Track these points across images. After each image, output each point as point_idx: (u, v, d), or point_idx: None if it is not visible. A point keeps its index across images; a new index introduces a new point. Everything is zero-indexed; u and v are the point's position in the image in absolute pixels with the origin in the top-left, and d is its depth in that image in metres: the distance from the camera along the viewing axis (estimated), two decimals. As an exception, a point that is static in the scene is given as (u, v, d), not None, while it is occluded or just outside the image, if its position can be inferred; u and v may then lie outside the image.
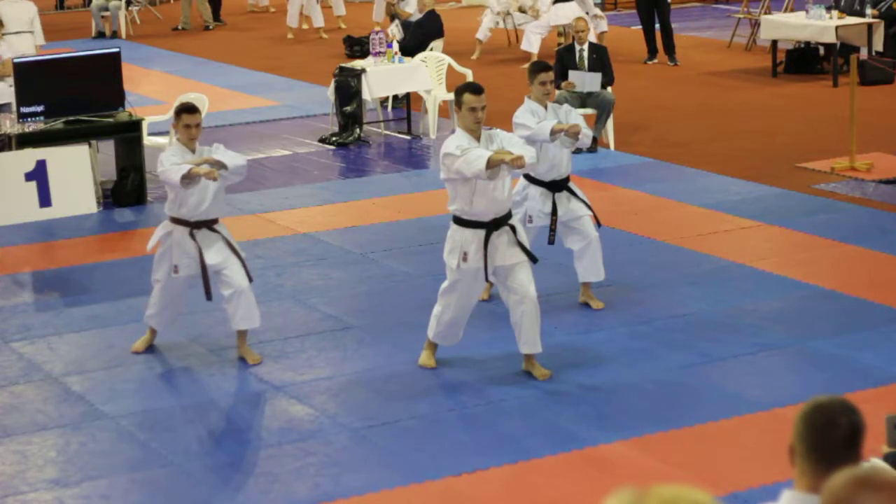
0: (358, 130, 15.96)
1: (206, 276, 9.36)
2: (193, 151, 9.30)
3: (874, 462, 6.10)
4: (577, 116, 10.14)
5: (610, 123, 15.10)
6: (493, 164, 8.56)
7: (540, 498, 7.43)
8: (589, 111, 15.06)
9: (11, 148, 13.19)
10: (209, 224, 9.39)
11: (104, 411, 8.72)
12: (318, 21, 23.46)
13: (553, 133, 9.79)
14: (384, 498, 7.47)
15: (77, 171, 13.08)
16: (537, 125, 9.79)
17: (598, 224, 10.45)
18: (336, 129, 16.15)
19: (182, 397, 9.01)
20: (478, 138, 8.85)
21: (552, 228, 10.17)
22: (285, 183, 14.29)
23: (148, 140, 13.96)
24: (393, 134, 16.31)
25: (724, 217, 12.39)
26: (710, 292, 10.46)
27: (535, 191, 10.18)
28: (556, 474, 7.67)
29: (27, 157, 12.97)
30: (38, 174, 12.93)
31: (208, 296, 9.42)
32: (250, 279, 9.44)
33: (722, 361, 9.16)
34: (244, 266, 9.44)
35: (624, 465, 7.73)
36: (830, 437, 4.09)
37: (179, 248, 9.37)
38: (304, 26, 23.93)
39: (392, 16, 20.86)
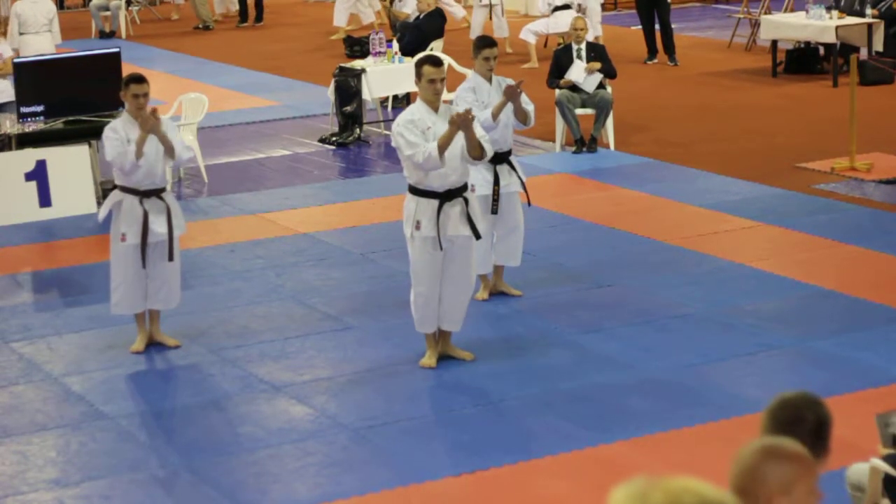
0: (358, 130, 15.96)
1: (144, 244, 9.49)
2: None
3: (874, 462, 6.10)
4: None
5: (610, 123, 15.10)
6: (443, 149, 8.82)
7: (540, 498, 7.43)
8: (588, 111, 15.07)
9: (11, 148, 13.19)
10: (157, 193, 9.55)
11: (104, 411, 8.73)
12: (369, 17, 23.66)
13: (494, 118, 10.04)
14: (384, 498, 7.47)
15: (77, 171, 13.07)
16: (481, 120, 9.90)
17: (528, 203, 10.49)
18: (336, 129, 16.16)
19: (182, 397, 9.01)
20: (436, 110, 9.03)
21: (495, 198, 10.22)
22: (285, 183, 14.29)
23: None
24: (393, 134, 16.30)
25: (724, 217, 12.39)
26: (710, 292, 10.46)
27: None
28: (556, 474, 7.67)
29: (27, 157, 12.96)
30: (38, 174, 12.92)
31: (143, 263, 9.53)
32: (171, 258, 9.61)
33: (722, 361, 9.16)
34: (174, 242, 9.62)
35: (624, 465, 7.73)
36: (797, 432, 4.11)
37: (128, 215, 9.50)
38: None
39: (391, 18, 20.89)
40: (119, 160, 9.36)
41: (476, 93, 10.30)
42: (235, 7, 26.20)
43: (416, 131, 8.93)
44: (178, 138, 9.67)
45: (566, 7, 19.98)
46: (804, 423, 4.22)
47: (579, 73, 14.99)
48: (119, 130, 9.44)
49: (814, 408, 4.30)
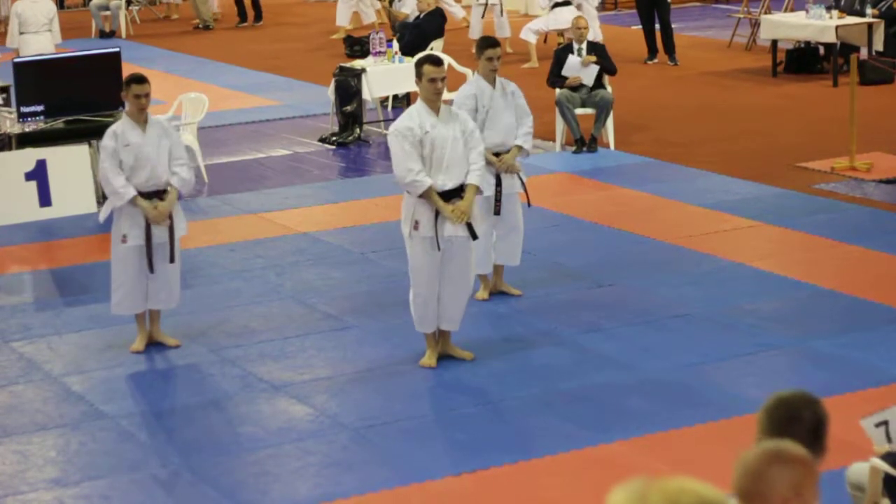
0: (358, 130, 15.96)
1: (149, 247, 9.50)
2: (144, 123, 9.49)
3: (874, 462, 6.10)
4: (520, 96, 10.38)
5: (610, 123, 15.10)
6: (432, 197, 8.98)
7: (540, 498, 7.43)
8: (588, 111, 15.07)
9: (11, 148, 13.19)
10: (159, 194, 9.55)
11: (104, 411, 8.73)
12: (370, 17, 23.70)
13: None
14: (384, 498, 7.47)
15: (77, 171, 13.06)
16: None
17: (528, 204, 10.53)
18: (336, 128, 16.16)
19: (182, 397, 9.01)
20: (436, 110, 9.04)
21: (497, 199, 10.24)
22: (285, 183, 14.29)
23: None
24: (393, 134, 16.28)
25: (724, 217, 12.39)
26: (710, 292, 10.46)
27: None
28: (556, 474, 7.67)
29: (27, 157, 12.95)
30: (38, 174, 12.90)
31: (150, 268, 9.52)
32: (172, 259, 9.60)
33: (722, 361, 9.16)
34: (175, 243, 9.64)
35: (624, 465, 7.73)
36: (795, 431, 4.11)
37: (129, 218, 9.50)
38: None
39: (391, 17, 20.89)
40: (107, 186, 9.43)
41: (477, 99, 10.24)
42: (216, 10, 26.25)
43: (415, 141, 8.95)
44: (180, 151, 9.71)
45: (566, 4, 19.98)
46: (801, 422, 4.22)
47: (576, 66, 14.99)
48: (118, 135, 9.45)
49: (811, 407, 4.30)
